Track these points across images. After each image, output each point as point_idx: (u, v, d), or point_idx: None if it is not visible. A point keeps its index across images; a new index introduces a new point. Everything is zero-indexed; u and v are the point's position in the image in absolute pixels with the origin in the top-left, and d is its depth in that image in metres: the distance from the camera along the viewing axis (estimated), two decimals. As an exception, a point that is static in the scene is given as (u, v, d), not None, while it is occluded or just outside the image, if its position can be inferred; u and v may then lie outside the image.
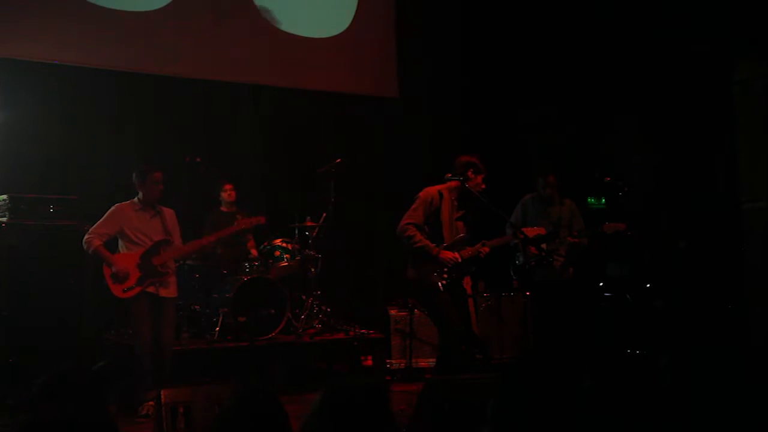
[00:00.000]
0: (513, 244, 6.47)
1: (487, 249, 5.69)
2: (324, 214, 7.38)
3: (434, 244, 5.56)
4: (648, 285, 7.72)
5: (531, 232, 6.03)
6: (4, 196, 6.03)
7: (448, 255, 5.54)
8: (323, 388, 2.21)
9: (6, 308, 5.80)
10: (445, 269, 5.53)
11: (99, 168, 7.20)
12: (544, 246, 6.16)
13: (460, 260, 5.57)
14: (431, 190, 5.69)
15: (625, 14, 8.26)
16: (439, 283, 5.52)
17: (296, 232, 7.50)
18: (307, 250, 7.34)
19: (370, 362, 7.26)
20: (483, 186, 5.73)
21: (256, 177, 8.16)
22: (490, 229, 5.95)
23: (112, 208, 5.74)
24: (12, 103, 6.95)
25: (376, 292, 8.34)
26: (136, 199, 5.79)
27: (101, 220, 5.69)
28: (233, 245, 7.21)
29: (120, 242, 5.75)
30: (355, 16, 8.63)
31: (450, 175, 5.69)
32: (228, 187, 7.43)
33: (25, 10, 6.93)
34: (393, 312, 7.33)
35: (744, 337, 6.87)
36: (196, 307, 6.99)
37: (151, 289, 5.62)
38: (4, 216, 5.98)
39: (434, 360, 6.48)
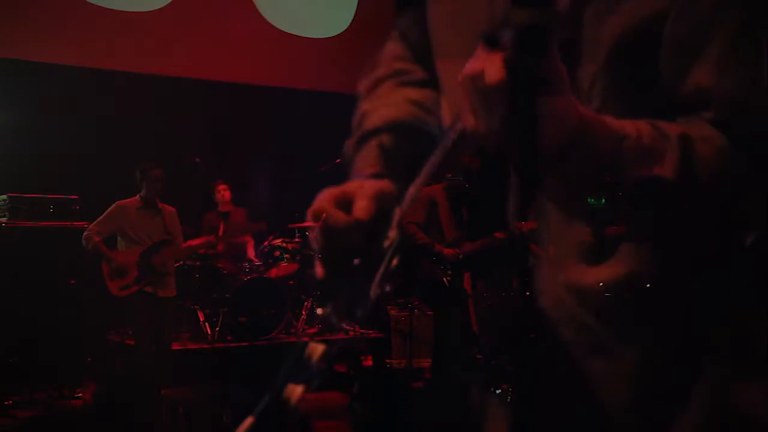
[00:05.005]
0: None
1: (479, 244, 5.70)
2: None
3: (435, 242, 5.60)
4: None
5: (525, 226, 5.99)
6: (4, 196, 6.03)
7: (450, 251, 5.59)
8: None
9: (6, 308, 5.79)
10: (449, 265, 5.58)
11: (99, 168, 7.19)
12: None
13: (461, 257, 5.61)
14: (428, 190, 5.71)
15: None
16: (444, 279, 5.56)
17: (296, 232, 7.50)
18: (307, 250, 7.35)
19: (370, 362, 7.26)
20: (478, 184, 5.72)
21: (256, 177, 8.15)
22: (489, 227, 5.93)
23: (113, 206, 5.70)
24: (12, 103, 6.95)
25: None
26: (138, 197, 5.73)
27: (101, 217, 5.67)
28: (233, 246, 7.21)
29: (119, 240, 5.72)
30: (355, 16, 8.63)
31: (450, 175, 5.69)
32: (221, 187, 7.41)
33: (24, 10, 6.94)
34: (393, 312, 7.32)
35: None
36: (196, 307, 6.99)
37: (148, 289, 5.58)
38: (4, 216, 5.97)
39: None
